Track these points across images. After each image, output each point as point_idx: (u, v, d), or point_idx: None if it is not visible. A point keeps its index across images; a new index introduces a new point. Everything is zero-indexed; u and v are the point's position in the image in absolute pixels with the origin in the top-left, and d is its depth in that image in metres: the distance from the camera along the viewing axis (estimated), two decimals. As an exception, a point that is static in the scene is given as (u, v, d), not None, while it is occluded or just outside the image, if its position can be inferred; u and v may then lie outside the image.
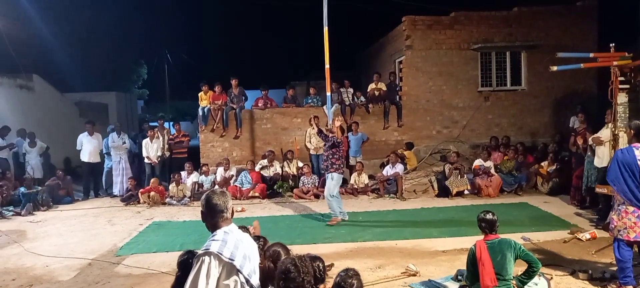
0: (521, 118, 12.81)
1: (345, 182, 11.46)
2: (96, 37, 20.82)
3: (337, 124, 8.32)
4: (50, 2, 17.78)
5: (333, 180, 8.03)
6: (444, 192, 10.26)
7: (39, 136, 11.62)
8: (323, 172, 8.50)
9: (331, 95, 11.77)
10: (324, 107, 12.19)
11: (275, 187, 11.09)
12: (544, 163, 10.52)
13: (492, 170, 10.39)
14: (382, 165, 11.40)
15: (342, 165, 8.26)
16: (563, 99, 12.69)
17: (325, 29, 8.43)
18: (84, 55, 20.35)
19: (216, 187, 10.71)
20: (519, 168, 10.56)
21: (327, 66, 8.56)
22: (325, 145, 8.34)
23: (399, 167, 10.70)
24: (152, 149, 11.56)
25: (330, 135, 8.18)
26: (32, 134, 11.44)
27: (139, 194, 10.46)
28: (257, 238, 4.19)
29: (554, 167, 10.26)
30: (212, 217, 2.85)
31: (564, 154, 10.55)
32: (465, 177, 10.29)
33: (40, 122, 12.89)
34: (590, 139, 8.21)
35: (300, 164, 11.49)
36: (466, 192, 10.23)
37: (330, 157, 8.07)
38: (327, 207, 8.39)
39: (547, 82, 12.57)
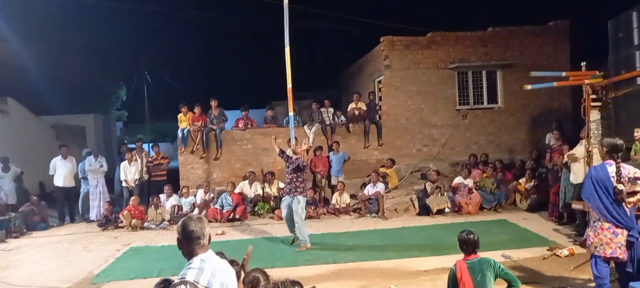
0: (499, 135, 13.03)
1: (327, 201, 11.48)
2: (73, 57, 20.49)
3: (304, 147, 8.17)
4: (25, 22, 17.52)
5: (300, 204, 7.77)
6: (424, 210, 10.31)
7: (13, 160, 11.31)
8: (285, 195, 8.11)
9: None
10: (305, 126, 12.23)
11: (255, 208, 10.99)
12: (522, 180, 10.68)
13: (472, 188, 10.49)
14: (364, 185, 11.42)
15: (306, 188, 8.08)
16: (539, 116, 12.97)
17: (287, 49, 8.41)
18: (61, 77, 19.96)
19: (196, 209, 10.57)
20: (498, 186, 10.70)
21: (289, 86, 8.47)
22: (288, 167, 7.98)
23: (380, 186, 10.73)
24: (130, 172, 11.35)
25: (294, 157, 7.90)
26: (6, 159, 11.12)
27: (121, 215, 10.29)
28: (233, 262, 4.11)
29: (532, 184, 10.42)
30: (189, 244, 2.79)
31: (541, 171, 10.74)
32: (445, 195, 10.37)
33: (14, 146, 12.57)
34: (565, 156, 8.38)
35: (281, 185, 11.41)
36: (447, 210, 10.30)
37: (295, 180, 7.77)
38: (311, 228, 8.31)
39: (522, 99, 12.84)
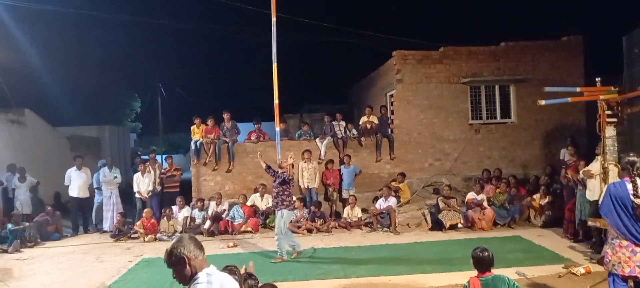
0: (512, 150, 12.92)
1: (338, 215, 11.45)
2: (89, 70, 20.89)
3: (290, 161, 8.28)
4: (43, 35, 17.90)
5: (283, 218, 7.88)
6: (437, 225, 10.22)
7: (29, 171, 11.49)
8: (273, 208, 8.34)
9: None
10: (317, 139, 12.26)
11: (267, 221, 10.99)
12: (537, 196, 10.55)
13: (485, 204, 10.39)
14: (375, 199, 11.37)
15: (292, 202, 8.20)
16: (553, 132, 12.84)
17: (274, 65, 8.60)
18: (76, 89, 20.36)
19: (208, 221, 10.60)
20: (512, 201, 10.58)
21: (276, 102, 8.62)
22: (274, 181, 8.12)
23: (392, 201, 10.67)
24: (143, 184, 11.46)
25: (280, 171, 8.05)
26: (22, 169, 11.31)
27: (135, 226, 10.39)
28: (249, 275, 4.14)
29: (547, 200, 10.28)
30: (192, 261, 2.67)
31: (555, 187, 10.60)
32: (458, 210, 10.27)
33: (31, 157, 12.77)
34: (581, 172, 8.27)
35: (293, 198, 11.41)
36: (459, 225, 10.19)
37: (281, 193, 7.92)
38: (322, 242, 8.30)
39: (536, 114, 12.74)
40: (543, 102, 8.67)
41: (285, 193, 7.94)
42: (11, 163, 11.60)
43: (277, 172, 8.09)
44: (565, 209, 9.22)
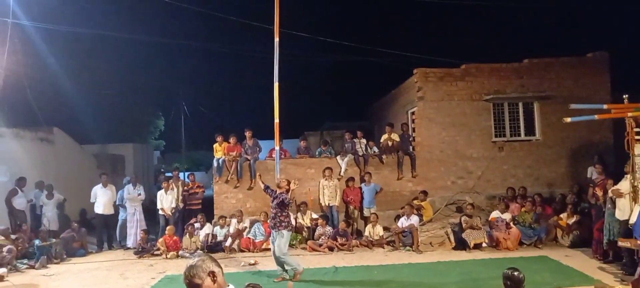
0: (537, 168, 12.66)
1: (359, 233, 11.36)
2: (115, 89, 21.46)
3: (293, 186, 8.15)
4: (70, 54, 18.46)
5: (284, 238, 7.83)
6: (461, 244, 10.04)
7: (56, 188, 11.77)
8: (271, 229, 8.21)
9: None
10: (338, 157, 12.25)
11: (288, 239, 10.96)
12: (564, 215, 10.29)
13: (511, 223, 10.18)
14: (397, 217, 11.26)
15: (290, 222, 8.15)
16: (579, 149, 12.56)
17: (276, 84, 8.69)
18: (103, 107, 20.91)
19: (229, 239, 10.65)
20: (538, 221, 10.33)
21: (276, 121, 8.72)
22: (272, 201, 8.07)
23: (414, 219, 10.54)
24: (166, 201, 11.60)
25: (279, 191, 8.01)
26: (50, 186, 11.60)
27: (157, 243, 10.50)
28: None
29: (574, 219, 10.02)
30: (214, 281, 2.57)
31: (583, 206, 10.34)
32: (482, 229, 10.09)
33: (58, 174, 13.08)
34: (610, 191, 8.05)
35: (315, 216, 11.40)
36: (484, 244, 9.99)
37: (279, 214, 7.87)
38: (343, 260, 8.22)
39: (561, 132, 12.49)
40: (569, 120, 8.53)
41: (283, 213, 7.90)
42: (39, 181, 11.93)
43: (276, 191, 8.09)
44: (593, 229, 8.97)
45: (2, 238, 9.49)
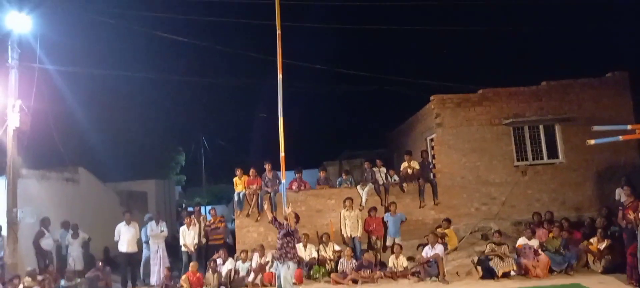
0: (562, 192, 12.41)
1: (383, 264, 11.18)
2: (136, 126, 21.90)
3: (288, 210, 8.37)
4: (92, 94, 18.94)
5: (290, 269, 7.99)
6: (488, 273, 9.78)
7: (81, 227, 11.91)
8: (276, 260, 8.40)
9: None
10: (358, 186, 12.20)
11: (311, 272, 10.86)
12: (594, 240, 10.00)
13: (539, 249, 9.92)
14: (420, 246, 11.08)
15: (296, 254, 8.26)
16: (605, 171, 12.29)
17: (281, 119, 8.88)
18: (125, 145, 21.31)
19: (252, 274, 10.59)
20: (567, 246, 10.04)
21: (282, 154, 8.93)
22: (279, 232, 8.22)
23: (439, 248, 10.33)
24: (189, 237, 11.63)
25: (285, 222, 8.15)
26: (75, 226, 11.76)
27: (181, 280, 10.46)
28: None
29: (605, 244, 9.72)
30: None
31: (613, 229, 10.03)
32: (510, 257, 9.84)
33: (83, 213, 13.27)
34: (640, 214, 7.82)
35: (337, 248, 11.29)
36: (512, 273, 9.73)
37: (285, 245, 8.01)
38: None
39: (585, 154, 12.25)
40: (593, 142, 8.41)
41: (290, 245, 8.05)
42: (65, 221, 12.09)
43: (283, 223, 8.24)
44: (627, 253, 8.67)
45: (30, 279, 9.61)
